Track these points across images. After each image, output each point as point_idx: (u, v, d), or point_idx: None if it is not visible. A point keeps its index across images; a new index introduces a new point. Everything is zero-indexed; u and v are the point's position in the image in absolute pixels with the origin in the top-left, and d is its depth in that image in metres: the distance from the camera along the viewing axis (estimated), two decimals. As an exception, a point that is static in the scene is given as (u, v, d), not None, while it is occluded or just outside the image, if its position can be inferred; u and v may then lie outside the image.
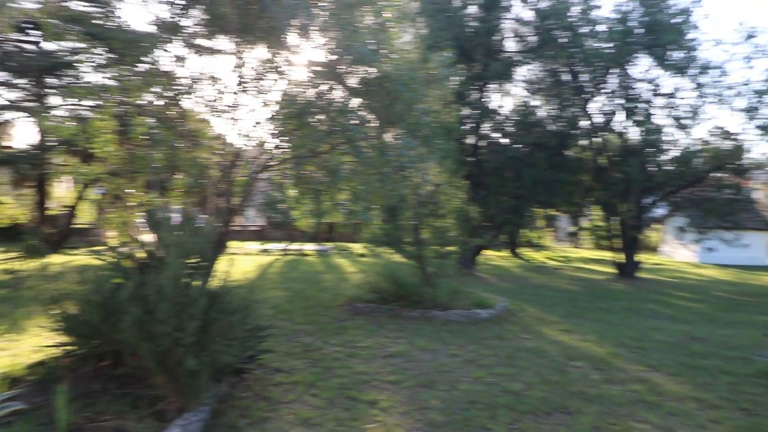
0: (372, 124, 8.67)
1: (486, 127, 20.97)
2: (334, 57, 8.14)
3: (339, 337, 8.37)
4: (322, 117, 8.21)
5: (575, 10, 19.02)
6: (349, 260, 23.45)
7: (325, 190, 8.32)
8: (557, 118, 20.25)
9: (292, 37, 8.40)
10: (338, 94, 8.70)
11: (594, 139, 20.83)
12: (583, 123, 20.29)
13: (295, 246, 28.31)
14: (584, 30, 18.89)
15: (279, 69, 8.31)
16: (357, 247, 28.24)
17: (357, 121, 8.06)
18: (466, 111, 19.90)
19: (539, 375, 6.61)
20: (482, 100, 20.32)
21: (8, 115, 29.32)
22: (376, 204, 8.70)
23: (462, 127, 19.38)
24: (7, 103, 28.30)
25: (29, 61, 25.75)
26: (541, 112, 20.98)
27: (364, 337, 8.38)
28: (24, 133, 58.25)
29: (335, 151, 8.08)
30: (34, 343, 7.53)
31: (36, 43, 27.07)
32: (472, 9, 19.70)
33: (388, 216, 11.83)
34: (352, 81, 8.30)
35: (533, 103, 21.34)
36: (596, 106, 20.36)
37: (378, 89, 8.10)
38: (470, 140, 20.73)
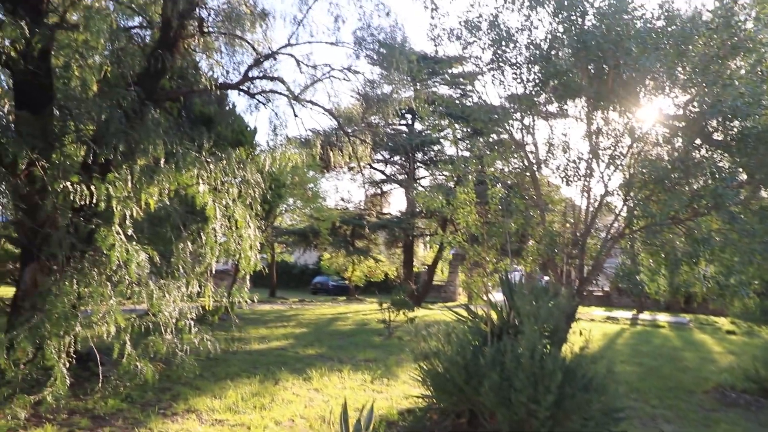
0: (748, 186, 7.52)
1: None
2: (699, 113, 7.41)
3: (707, 430, 7.23)
4: (684, 180, 7.49)
5: None
6: (714, 337, 20.31)
7: (687, 261, 7.45)
8: None
9: (648, 97, 8.01)
10: (704, 153, 7.86)
11: None
12: None
13: (645, 315, 26.01)
14: None
15: (633, 132, 7.97)
16: (724, 322, 24.39)
17: (728, 183, 7.08)
18: None
19: None
20: None
21: (386, 186, 35.03)
22: (756, 278, 7.38)
23: None
24: (385, 176, 33.92)
25: (403, 141, 30.50)
26: None
27: (741, 436, 7.06)
28: (397, 202, 68.42)
29: (702, 218, 7.22)
30: (403, 390, 8.53)
31: (408, 124, 32.00)
32: None
33: (767, 289, 9.90)
34: (722, 137, 7.39)
35: None
36: None
37: (756, 145, 7.02)
38: None
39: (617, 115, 8.22)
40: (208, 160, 7.78)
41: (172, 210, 7.84)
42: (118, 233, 6.25)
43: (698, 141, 7.82)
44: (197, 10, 10.05)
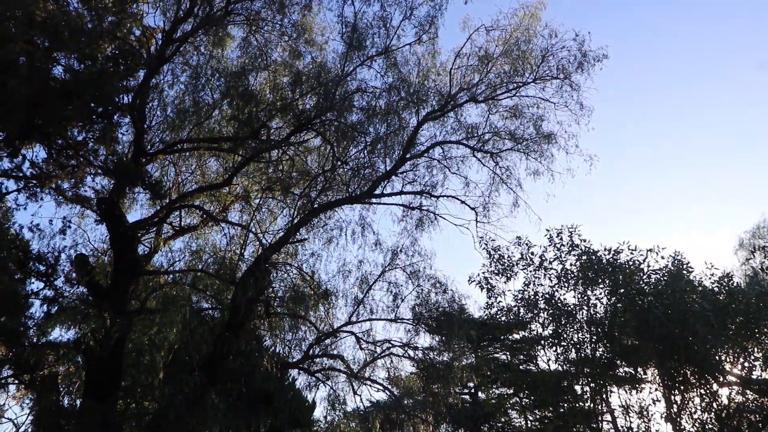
0: None
1: None
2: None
3: None
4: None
5: None
6: None
7: None
8: None
9: (726, 374, 7.48)
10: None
11: None
12: None
13: None
14: None
15: (720, 410, 7.25)
16: None
17: None
18: None
19: None
20: None
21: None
22: None
23: None
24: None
25: (467, 412, 28.89)
26: None
27: None
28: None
29: None
30: None
31: (471, 392, 30.66)
32: None
33: None
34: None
35: None
36: None
37: None
38: None
39: (696, 394, 7.61)
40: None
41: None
42: None
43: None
44: (265, 293, 10.75)
